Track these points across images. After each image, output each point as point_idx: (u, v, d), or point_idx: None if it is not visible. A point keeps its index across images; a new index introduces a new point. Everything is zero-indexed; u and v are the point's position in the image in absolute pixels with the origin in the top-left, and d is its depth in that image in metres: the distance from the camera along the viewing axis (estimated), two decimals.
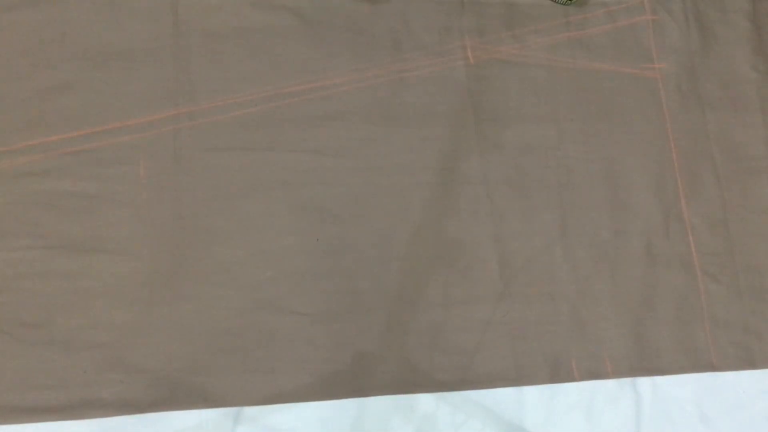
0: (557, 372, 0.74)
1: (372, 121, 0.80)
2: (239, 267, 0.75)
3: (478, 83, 0.83)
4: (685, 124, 0.84)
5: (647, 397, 0.74)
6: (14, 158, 0.76)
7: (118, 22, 0.80)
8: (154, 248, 0.75)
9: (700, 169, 0.83)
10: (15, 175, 0.75)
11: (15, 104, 0.77)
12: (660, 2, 0.88)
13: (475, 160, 0.80)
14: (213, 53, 0.81)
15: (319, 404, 0.72)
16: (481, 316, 0.75)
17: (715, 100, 0.86)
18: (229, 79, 0.80)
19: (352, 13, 0.83)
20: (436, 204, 0.78)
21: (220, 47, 0.81)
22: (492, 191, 0.79)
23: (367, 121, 0.80)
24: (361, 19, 0.83)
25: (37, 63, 0.79)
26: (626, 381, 0.74)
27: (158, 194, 0.76)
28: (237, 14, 0.82)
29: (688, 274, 0.79)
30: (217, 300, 0.74)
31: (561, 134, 0.82)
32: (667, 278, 0.78)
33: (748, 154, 0.84)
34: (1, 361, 0.71)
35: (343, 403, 0.72)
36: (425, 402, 0.73)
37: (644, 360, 0.75)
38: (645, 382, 0.74)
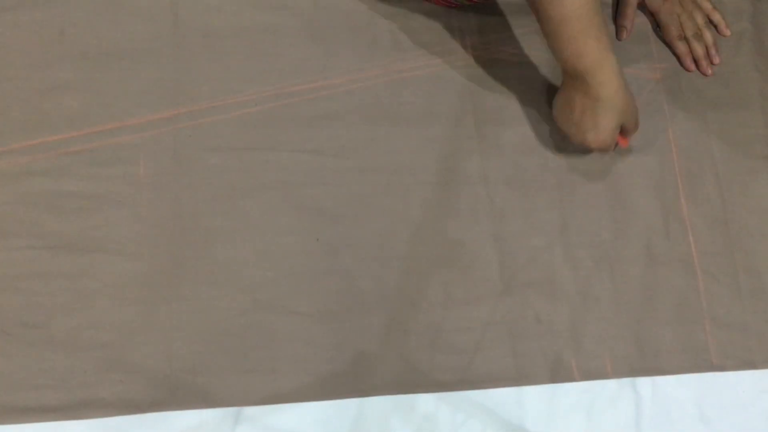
0: (557, 372, 0.74)
1: (372, 121, 0.80)
2: (239, 267, 0.75)
3: (478, 83, 0.83)
4: (685, 124, 0.84)
5: (647, 397, 0.74)
6: (14, 158, 0.76)
7: (117, 22, 0.80)
8: (154, 248, 0.75)
9: (700, 169, 0.83)
10: (15, 175, 0.75)
11: (14, 104, 0.77)
12: None
13: (476, 160, 0.80)
14: (213, 53, 0.81)
15: (319, 404, 0.72)
16: (481, 316, 0.75)
17: (716, 99, 0.86)
18: (229, 79, 0.80)
19: (352, 13, 0.83)
20: (436, 204, 0.78)
21: (220, 47, 0.81)
22: (492, 191, 0.79)
23: (367, 121, 0.80)
24: (361, 18, 0.83)
25: (36, 63, 0.79)
26: (626, 381, 0.74)
27: (158, 194, 0.76)
28: (237, 14, 0.82)
29: (688, 274, 0.78)
30: (217, 300, 0.74)
31: (562, 134, 0.81)
32: (667, 278, 0.78)
33: (749, 154, 0.84)
34: (1, 361, 0.71)
35: (343, 403, 0.72)
36: (425, 402, 0.73)
37: (644, 360, 0.75)
38: (645, 383, 0.74)
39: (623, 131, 0.77)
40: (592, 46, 0.69)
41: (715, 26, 0.88)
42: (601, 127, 0.73)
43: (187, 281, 0.74)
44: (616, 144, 0.78)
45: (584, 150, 0.78)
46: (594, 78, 0.70)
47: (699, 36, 0.86)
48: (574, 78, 0.72)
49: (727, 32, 0.87)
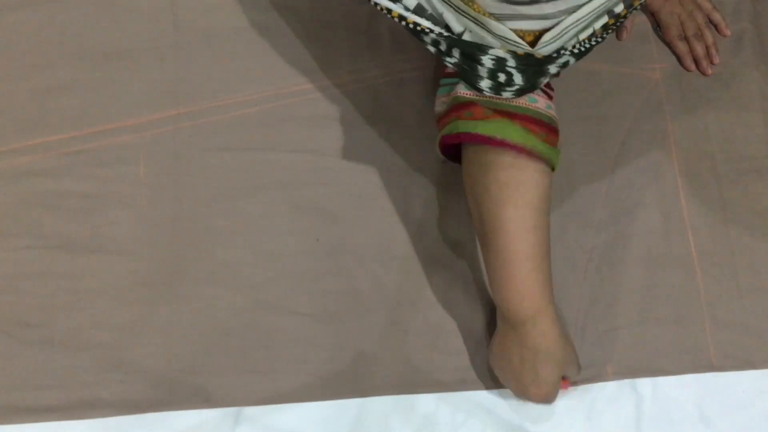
0: None
1: (372, 121, 0.80)
2: (239, 267, 0.75)
3: None
4: (685, 124, 0.84)
5: (647, 397, 0.74)
6: (14, 158, 0.76)
7: (118, 22, 0.81)
8: (154, 248, 0.75)
9: (700, 169, 0.82)
10: (15, 175, 0.75)
11: (15, 104, 0.77)
12: None
13: None
14: (213, 53, 0.81)
15: (319, 404, 0.72)
16: (481, 317, 0.75)
17: (716, 99, 0.85)
18: (229, 79, 0.80)
19: (352, 13, 0.83)
20: (436, 204, 0.78)
21: (220, 47, 0.81)
22: None
23: (367, 121, 0.80)
24: (361, 19, 0.83)
25: (37, 63, 0.79)
26: (626, 382, 0.74)
27: (158, 194, 0.76)
28: (237, 14, 0.82)
29: (687, 274, 0.78)
30: (217, 300, 0.74)
31: (561, 135, 0.81)
32: (667, 278, 0.78)
33: (749, 154, 0.84)
34: (1, 361, 0.71)
35: (343, 403, 0.72)
36: (425, 402, 0.73)
37: (644, 360, 0.75)
38: (645, 383, 0.74)
39: (565, 377, 0.70)
40: (536, 291, 0.65)
41: (715, 26, 0.88)
42: (542, 379, 0.66)
43: (187, 281, 0.74)
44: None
45: (526, 400, 0.71)
46: (534, 326, 0.65)
47: (699, 36, 0.86)
48: (511, 325, 0.67)
49: (727, 32, 0.87)
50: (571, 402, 0.73)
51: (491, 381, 0.73)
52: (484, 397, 0.73)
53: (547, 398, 0.69)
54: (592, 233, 0.79)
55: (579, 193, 0.80)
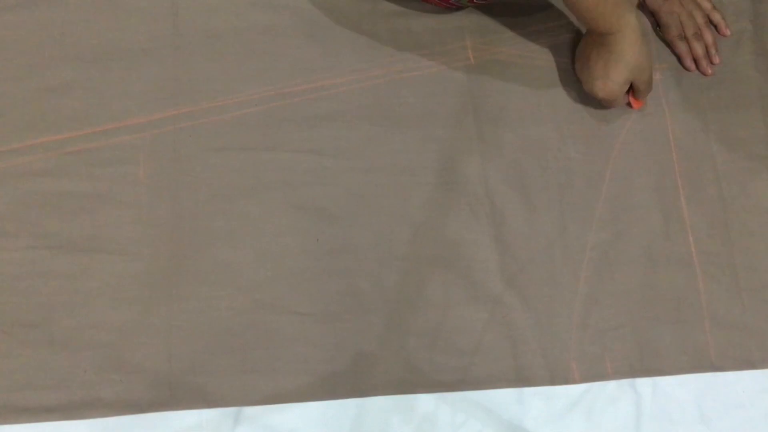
0: (557, 373, 0.74)
1: (372, 121, 0.80)
2: (239, 267, 0.75)
3: (478, 84, 0.83)
4: (685, 124, 0.84)
5: (647, 397, 0.74)
6: (14, 158, 0.76)
7: (117, 22, 0.80)
8: (154, 248, 0.75)
9: (700, 169, 0.83)
10: (15, 175, 0.75)
11: (15, 104, 0.77)
12: None
13: (476, 160, 0.80)
14: (213, 53, 0.81)
15: (319, 404, 0.72)
16: (480, 317, 0.75)
17: (716, 99, 0.86)
18: (229, 79, 0.80)
19: (352, 12, 0.83)
20: (436, 204, 0.78)
21: (220, 47, 0.81)
22: (492, 191, 0.79)
23: (367, 121, 0.80)
24: (361, 18, 0.83)
25: (37, 63, 0.79)
26: (626, 381, 0.74)
27: (158, 194, 0.76)
28: (237, 14, 0.82)
29: (687, 274, 0.78)
30: (217, 300, 0.74)
31: (561, 135, 0.82)
32: (667, 278, 0.78)
33: (749, 154, 0.84)
34: (1, 361, 0.71)
35: (343, 403, 0.72)
36: (425, 402, 0.73)
37: (644, 360, 0.75)
38: (645, 383, 0.74)
39: (635, 91, 0.80)
40: (610, 8, 0.72)
41: (715, 26, 0.88)
42: (610, 77, 0.77)
43: (187, 281, 0.74)
44: (629, 104, 0.82)
45: (594, 101, 0.81)
46: (613, 35, 0.75)
47: (699, 36, 0.86)
48: (596, 35, 0.77)
49: (727, 32, 0.87)
50: (571, 401, 0.73)
51: (491, 381, 0.74)
52: (484, 397, 0.73)
53: (612, 96, 0.79)
54: (592, 232, 0.79)
55: (579, 192, 0.80)
